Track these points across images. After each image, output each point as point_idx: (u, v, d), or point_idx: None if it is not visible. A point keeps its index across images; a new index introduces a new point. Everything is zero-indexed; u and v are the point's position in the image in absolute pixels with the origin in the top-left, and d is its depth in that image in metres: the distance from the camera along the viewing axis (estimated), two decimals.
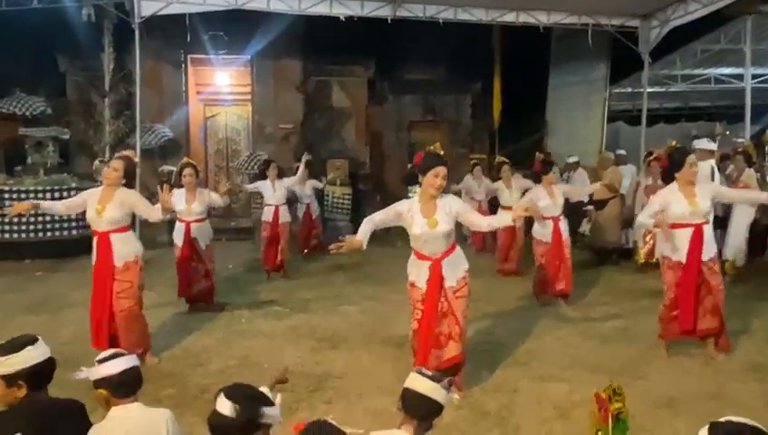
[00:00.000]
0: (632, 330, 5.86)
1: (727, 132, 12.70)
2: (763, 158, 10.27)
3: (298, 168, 9.51)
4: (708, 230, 4.90)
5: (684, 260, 4.84)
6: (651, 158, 8.75)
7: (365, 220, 4.24)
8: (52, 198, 9.84)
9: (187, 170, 6.62)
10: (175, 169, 12.13)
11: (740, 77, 13.48)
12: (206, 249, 6.68)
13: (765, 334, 5.41)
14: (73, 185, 10.20)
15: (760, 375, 4.61)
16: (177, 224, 6.65)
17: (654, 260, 8.52)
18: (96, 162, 11.17)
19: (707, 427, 1.84)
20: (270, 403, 2.19)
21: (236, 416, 2.05)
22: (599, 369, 4.77)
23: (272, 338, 5.70)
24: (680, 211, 4.83)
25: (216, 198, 6.73)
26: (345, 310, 6.70)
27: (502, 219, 4.59)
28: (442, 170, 4.08)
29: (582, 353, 5.19)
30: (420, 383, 2.37)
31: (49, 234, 9.87)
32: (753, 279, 7.50)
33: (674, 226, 4.89)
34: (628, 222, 9.20)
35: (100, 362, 2.46)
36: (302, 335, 5.77)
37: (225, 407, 2.07)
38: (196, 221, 6.57)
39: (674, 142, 5.24)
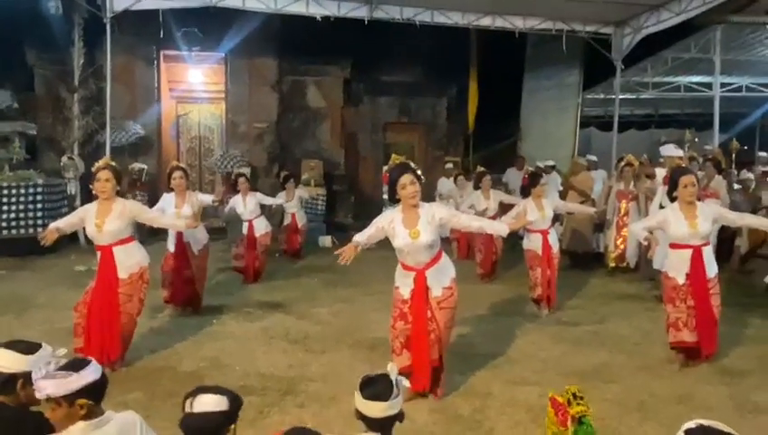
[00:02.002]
0: (603, 334, 5.92)
1: (696, 139, 12.95)
2: (730, 165, 10.51)
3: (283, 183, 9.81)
4: (708, 251, 4.89)
5: (680, 281, 4.84)
6: (623, 164, 8.89)
7: (354, 238, 4.13)
8: (18, 195, 9.67)
9: (177, 173, 6.45)
10: (146, 167, 12.04)
11: (709, 85, 13.83)
12: (199, 255, 6.50)
13: (732, 339, 5.50)
14: (40, 181, 9.98)
15: (728, 379, 4.68)
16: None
17: (624, 265, 8.69)
18: (64, 159, 10.95)
19: (683, 432, 1.85)
20: None
21: (229, 406, 2.06)
22: (571, 372, 4.79)
23: (243, 340, 5.62)
24: (680, 232, 4.83)
25: (205, 198, 6.62)
26: (318, 312, 6.65)
27: (495, 227, 4.45)
28: (406, 178, 4.02)
29: (554, 357, 5.22)
30: (369, 409, 2.27)
31: (14, 231, 9.62)
32: (720, 284, 7.63)
33: (673, 245, 4.92)
34: (599, 227, 9.32)
35: (75, 369, 2.19)
36: (275, 337, 5.70)
37: (210, 402, 2.05)
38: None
39: (677, 161, 5.25)
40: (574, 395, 2.94)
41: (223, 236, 11.14)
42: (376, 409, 2.27)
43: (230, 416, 2.12)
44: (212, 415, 2.09)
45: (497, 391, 4.41)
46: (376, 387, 2.30)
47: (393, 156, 4.28)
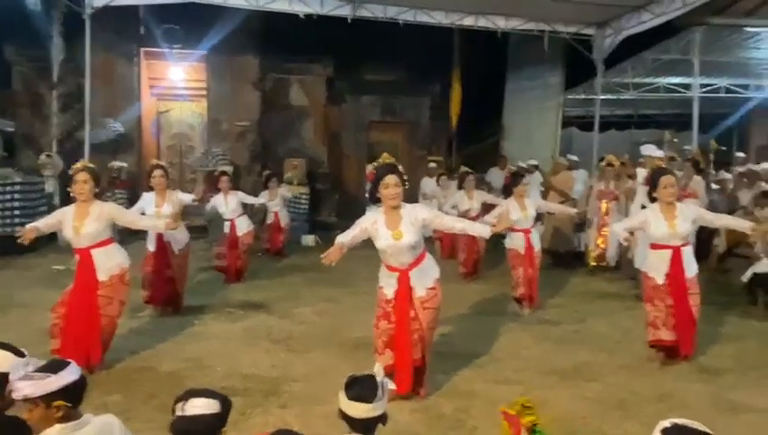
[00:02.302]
0: (584, 332, 5.97)
1: (675, 140, 13.10)
2: (708, 165, 10.65)
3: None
4: (687, 252, 4.94)
5: (659, 281, 4.90)
6: (604, 164, 8.97)
7: (338, 238, 4.10)
8: None
9: (157, 172, 6.38)
10: (125, 165, 11.91)
11: (688, 87, 13.98)
12: (180, 254, 6.43)
13: (709, 337, 5.58)
14: (17, 179, 9.83)
15: (705, 377, 4.75)
16: None
17: (604, 264, 8.77)
18: (42, 156, 10.80)
19: (659, 431, 1.87)
20: None
21: (221, 409, 2.09)
22: (552, 371, 4.83)
23: (225, 340, 5.58)
24: (659, 233, 4.88)
25: (185, 197, 6.56)
26: (301, 312, 6.62)
27: (478, 229, 4.41)
28: (390, 179, 4.02)
29: (536, 356, 5.25)
30: (353, 409, 2.28)
31: None
32: (698, 284, 7.74)
33: (653, 246, 4.97)
34: (580, 226, 9.40)
35: (54, 370, 2.16)
36: (257, 337, 5.67)
37: (202, 405, 2.06)
38: None
39: (657, 162, 5.31)
40: (523, 406, 2.99)
41: (204, 235, 11.06)
42: (360, 409, 2.27)
43: (222, 418, 2.12)
44: (205, 417, 2.08)
45: (480, 390, 4.43)
46: (361, 388, 2.30)
47: (384, 155, 4.26)
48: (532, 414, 2.82)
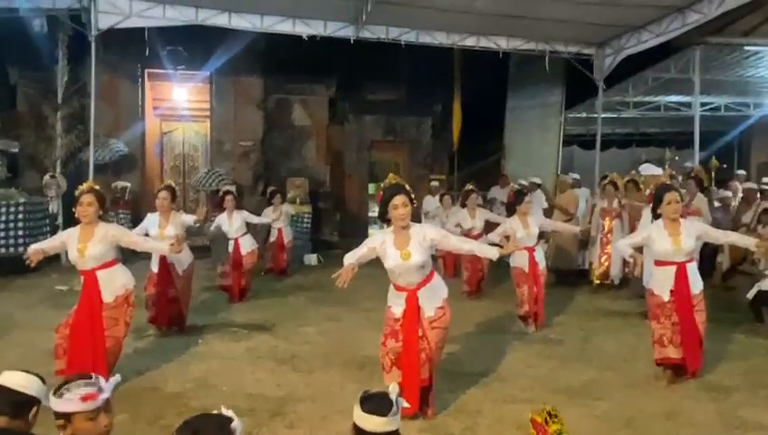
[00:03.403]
0: (590, 350, 5.95)
1: (676, 158, 13.18)
2: (710, 183, 10.69)
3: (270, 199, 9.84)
4: (692, 268, 4.92)
5: (665, 298, 4.88)
6: (606, 182, 9.00)
7: (346, 257, 4.11)
8: None
9: (162, 193, 6.40)
10: (129, 185, 11.95)
11: (689, 105, 14.09)
12: (183, 276, 6.41)
13: (717, 354, 5.55)
14: (22, 200, 9.85)
15: (714, 394, 4.72)
16: None
17: (608, 281, 8.76)
18: (46, 177, 10.83)
19: None
20: None
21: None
22: (559, 389, 4.80)
23: (230, 360, 5.56)
24: (663, 249, 4.87)
25: (187, 218, 6.56)
26: (305, 331, 6.60)
27: (485, 250, 4.43)
28: (399, 199, 4.03)
29: (542, 374, 5.23)
30: (367, 422, 2.28)
31: None
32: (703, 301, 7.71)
33: (657, 262, 4.95)
34: (583, 244, 9.40)
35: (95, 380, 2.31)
36: (262, 357, 5.64)
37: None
38: None
39: (662, 178, 5.31)
40: (549, 414, 2.98)
41: (207, 254, 11.05)
42: (374, 423, 2.27)
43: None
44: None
45: (487, 409, 4.40)
46: (376, 402, 2.31)
47: (390, 175, 4.29)
48: (558, 423, 2.82)
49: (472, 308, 7.66)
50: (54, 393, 2.27)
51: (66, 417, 2.26)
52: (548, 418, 2.94)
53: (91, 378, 2.32)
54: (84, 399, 2.24)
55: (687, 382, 4.93)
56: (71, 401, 2.23)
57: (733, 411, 4.36)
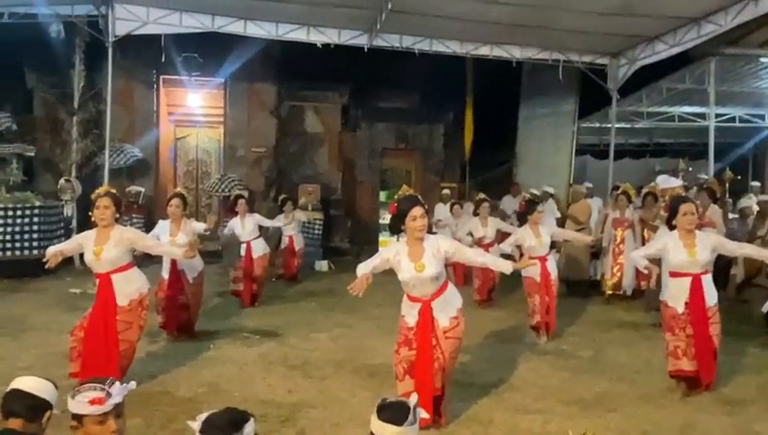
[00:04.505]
0: (603, 362, 5.91)
1: (690, 169, 13.09)
2: (724, 194, 10.61)
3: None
4: (707, 280, 4.87)
5: (680, 310, 4.83)
6: (618, 192, 8.97)
7: (359, 267, 4.11)
8: (15, 217, 9.63)
9: (174, 201, 6.44)
10: (143, 190, 12.04)
11: (703, 116, 14.00)
12: (194, 283, 6.43)
13: (731, 367, 5.50)
14: (37, 204, 9.95)
15: (728, 408, 4.67)
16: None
17: (621, 292, 8.70)
18: (61, 181, 10.94)
19: None
20: None
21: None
22: (571, 401, 4.77)
23: (241, 365, 5.57)
24: (678, 260, 4.83)
25: (197, 226, 6.60)
26: (316, 337, 6.61)
27: (500, 264, 4.43)
28: (418, 211, 4.02)
29: (554, 384, 5.20)
30: (386, 432, 2.28)
31: (9, 253, 9.55)
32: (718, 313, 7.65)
33: (672, 274, 4.91)
34: (595, 254, 9.35)
35: (108, 384, 2.36)
36: (273, 363, 5.65)
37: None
38: None
39: (678, 190, 5.28)
40: None
41: (218, 259, 11.11)
42: (390, 432, 2.28)
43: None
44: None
45: (499, 419, 4.38)
46: (393, 411, 2.32)
47: (403, 187, 4.29)
48: None
49: (483, 317, 7.63)
50: (71, 394, 2.33)
51: (78, 419, 2.33)
52: None
53: (104, 383, 2.36)
54: (92, 402, 2.30)
55: (702, 396, 4.88)
56: (80, 404, 2.31)
57: (748, 426, 4.32)
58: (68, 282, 9.08)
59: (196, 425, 2.11)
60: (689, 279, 4.82)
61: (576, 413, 4.50)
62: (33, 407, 2.40)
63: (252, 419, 2.15)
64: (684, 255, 4.81)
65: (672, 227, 4.99)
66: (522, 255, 5.88)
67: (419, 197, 4.16)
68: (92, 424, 2.31)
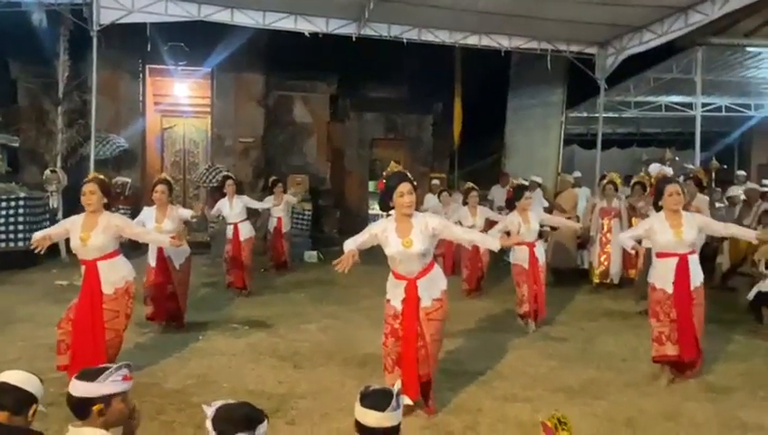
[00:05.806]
0: (590, 350, 5.95)
1: (677, 158, 13.17)
2: (711, 183, 10.70)
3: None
4: (694, 260, 4.90)
5: (668, 290, 4.85)
6: (605, 181, 9.02)
7: (346, 243, 4.12)
8: None
9: (160, 187, 6.37)
10: (129, 180, 11.94)
11: (690, 105, 14.08)
12: (181, 269, 6.40)
13: (716, 355, 5.57)
14: (22, 195, 9.85)
15: (713, 395, 4.73)
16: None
17: (608, 281, 8.77)
18: (47, 172, 10.82)
19: None
20: None
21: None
22: (560, 389, 4.81)
23: (231, 356, 5.56)
24: (665, 240, 4.85)
25: (184, 213, 6.57)
26: (306, 328, 6.60)
27: (488, 241, 4.46)
28: (405, 187, 4.02)
29: (543, 373, 5.23)
30: (365, 417, 2.31)
31: None
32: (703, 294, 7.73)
33: (659, 254, 4.94)
34: (582, 244, 9.41)
35: (111, 372, 2.40)
36: (263, 354, 5.64)
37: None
38: None
39: (662, 171, 5.31)
40: (560, 421, 2.99)
41: (207, 251, 11.07)
42: (373, 418, 2.30)
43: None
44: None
45: (487, 407, 4.41)
46: (374, 397, 2.35)
47: (392, 163, 4.29)
48: (567, 431, 2.83)
49: (472, 306, 7.68)
50: (95, 380, 2.35)
51: (106, 401, 2.35)
52: (558, 424, 2.95)
53: (110, 367, 2.43)
54: (125, 379, 2.43)
55: (687, 383, 4.94)
56: (115, 383, 2.38)
57: (732, 412, 4.37)
58: (54, 274, 9.01)
59: (210, 411, 2.10)
60: (676, 259, 4.83)
61: (563, 401, 4.54)
62: (20, 400, 2.42)
63: (266, 420, 2.14)
64: (670, 235, 4.83)
65: (659, 209, 5.03)
66: None
67: (407, 173, 4.16)
68: (119, 402, 2.40)
